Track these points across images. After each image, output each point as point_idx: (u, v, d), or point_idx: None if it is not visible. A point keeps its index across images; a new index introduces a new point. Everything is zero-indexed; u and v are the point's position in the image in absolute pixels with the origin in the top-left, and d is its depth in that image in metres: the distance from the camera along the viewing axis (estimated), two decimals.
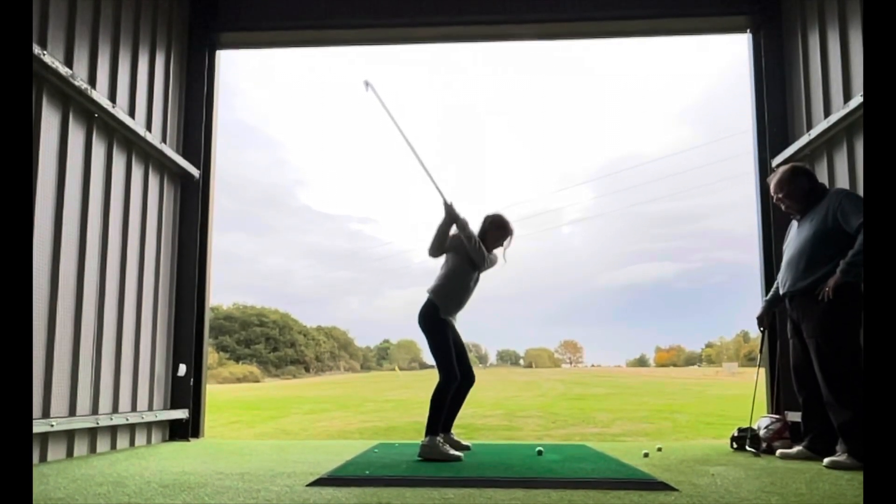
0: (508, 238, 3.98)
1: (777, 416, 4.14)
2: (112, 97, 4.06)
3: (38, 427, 3.24)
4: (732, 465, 3.34)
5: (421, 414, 10.63)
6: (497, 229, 3.95)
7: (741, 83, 5.18)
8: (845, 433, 3.25)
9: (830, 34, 4.25)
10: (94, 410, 3.84)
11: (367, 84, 3.99)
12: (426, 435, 3.51)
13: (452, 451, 3.50)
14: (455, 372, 3.67)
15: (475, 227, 3.94)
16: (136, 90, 4.39)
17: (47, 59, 3.30)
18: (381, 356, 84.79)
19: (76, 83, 3.55)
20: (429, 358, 4.18)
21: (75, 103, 3.68)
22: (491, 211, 4.04)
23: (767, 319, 4.03)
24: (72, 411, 3.61)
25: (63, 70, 3.43)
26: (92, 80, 3.85)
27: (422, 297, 3.94)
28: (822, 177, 4.20)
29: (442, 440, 3.57)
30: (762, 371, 4.60)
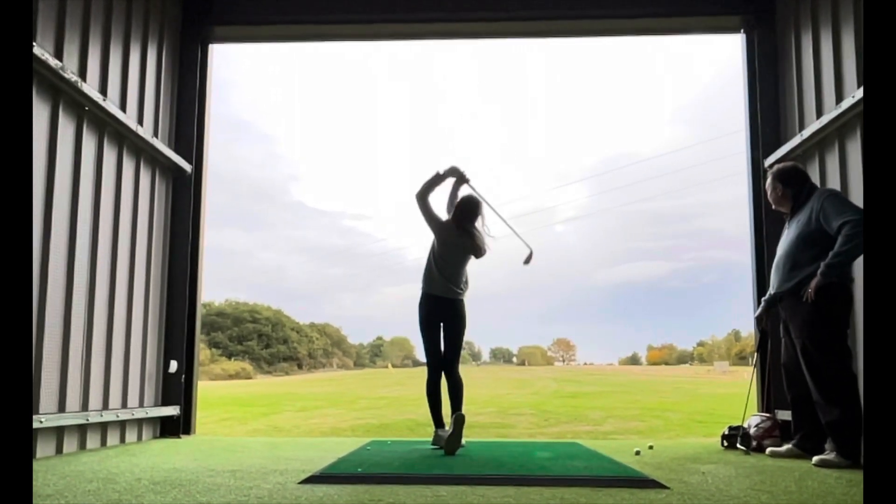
0: (471, 216, 4.03)
1: (767, 415, 4.17)
2: (103, 90, 4.02)
3: None
4: (723, 463, 3.36)
5: (413, 411, 10.68)
6: (460, 210, 4.05)
7: (736, 83, 5.20)
8: (833, 431, 3.28)
9: (823, 35, 4.27)
10: (84, 407, 3.80)
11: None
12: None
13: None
14: None
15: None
16: (128, 83, 4.34)
17: (37, 50, 3.25)
18: (375, 353, 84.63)
19: (66, 75, 3.51)
20: (421, 355, 4.23)
21: (65, 96, 3.64)
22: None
23: (767, 319, 4.05)
24: (61, 408, 3.58)
25: (53, 62, 3.39)
26: (82, 73, 3.80)
27: (415, 294, 4.08)
28: (815, 177, 4.22)
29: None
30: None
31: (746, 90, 5.05)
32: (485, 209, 4.09)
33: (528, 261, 4.07)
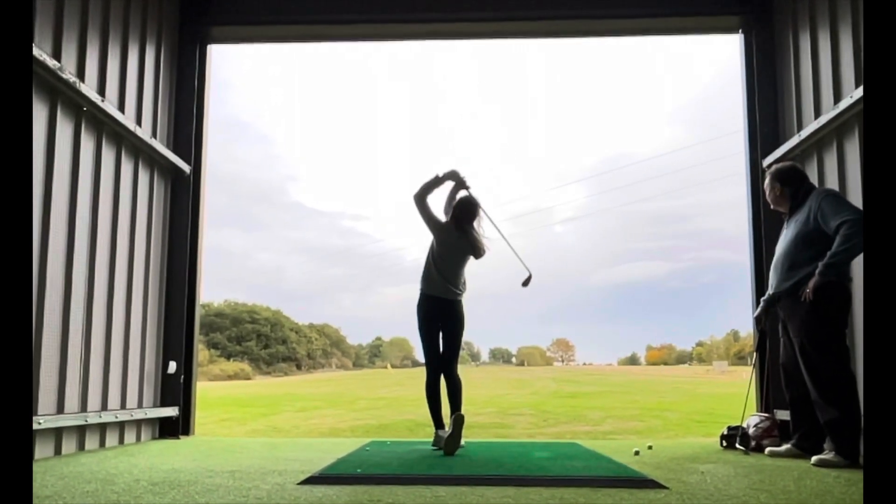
0: (469, 216, 4.03)
1: (766, 415, 4.18)
2: (101, 91, 4.01)
3: None
4: (722, 462, 3.37)
5: (412, 412, 10.68)
6: (458, 210, 4.05)
7: (736, 83, 5.20)
8: (832, 431, 3.28)
9: (821, 35, 4.28)
10: (83, 408, 3.80)
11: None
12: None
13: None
14: None
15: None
16: (126, 84, 4.33)
17: (35, 51, 3.24)
18: (374, 354, 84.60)
19: (64, 76, 3.50)
20: (420, 356, 4.22)
21: (63, 97, 3.63)
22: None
23: (766, 319, 4.05)
24: (60, 409, 3.57)
25: (51, 62, 3.38)
26: (80, 74, 3.79)
27: (414, 295, 4.07)
28: (813, 177, 4.22)
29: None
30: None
31: (745, 90, 5.06)
32: (483, 210, 4.09)
33: (526, 283, 4.05)
